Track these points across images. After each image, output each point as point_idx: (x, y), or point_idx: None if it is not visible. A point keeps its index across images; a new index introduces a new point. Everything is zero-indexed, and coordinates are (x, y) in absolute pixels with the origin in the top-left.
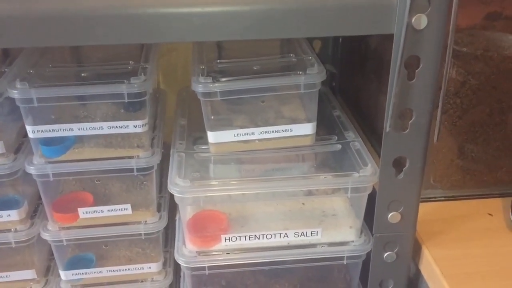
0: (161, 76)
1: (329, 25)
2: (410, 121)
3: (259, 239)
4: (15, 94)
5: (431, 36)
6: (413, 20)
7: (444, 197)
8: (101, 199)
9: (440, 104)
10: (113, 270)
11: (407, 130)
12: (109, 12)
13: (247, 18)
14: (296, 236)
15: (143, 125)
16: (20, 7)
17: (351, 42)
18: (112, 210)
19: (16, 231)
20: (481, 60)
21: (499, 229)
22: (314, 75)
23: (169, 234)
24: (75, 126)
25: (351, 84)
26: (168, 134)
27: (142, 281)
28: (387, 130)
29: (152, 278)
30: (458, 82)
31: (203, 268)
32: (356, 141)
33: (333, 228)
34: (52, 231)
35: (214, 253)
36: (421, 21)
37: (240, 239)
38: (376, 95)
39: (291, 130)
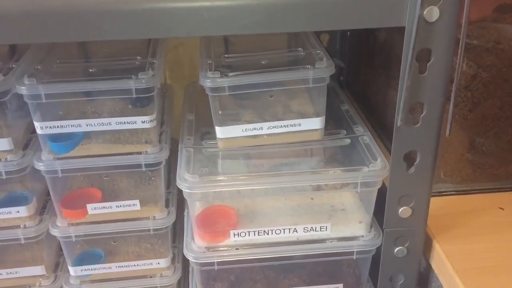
0: (168, 71)
1: (340, 18)
2: (422, 115)
3: (268, 234)
4: (23, 90)
5: (443, 28)
6: (425, 13)
7: (455, 191)
8: (109, 195)
9: (452, 97)
10: (122, 266)
11: (418, 124)
12: (117, 7)
13: (257, 12)
14: (305, 231)
15: (151, 121)
16: (26, 3)
17: (359, 35)
18: (120, 206)
19: (25, 227)
20: (492, 53)
21: (510, 223)
22: (323, 69)
23: (177, 229)
24: (83, 122)
25: (359, 78)
26: (176, 130)
27: (151, 277)
28: (398, 124)
29: (161, 274)
30: (469, 75)
31: (212, 264)
32: (365, 135)
33: (342, 223)
34: (61, 227)
35: (223, 248)
36: (433, 13)
37: (249, 235)
38: (385, 89)
39: (299, 124)
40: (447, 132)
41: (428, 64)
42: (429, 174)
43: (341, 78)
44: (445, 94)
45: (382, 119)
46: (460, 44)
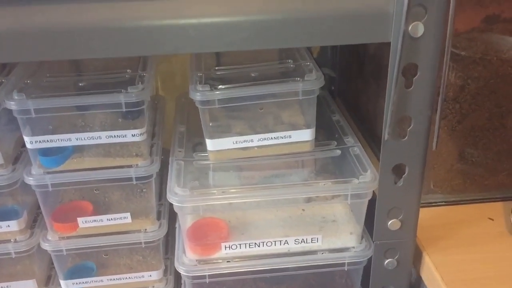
0: (160, 82)
1: (326, 35)
2: (409, 128)
3: (259, 246)
4: (12, 105)
5: (428, 43)
6: (409, 28)
7: (445, 202)
8: (100, 208)
9: (438, 111)
10: (114, 279)
11: (406, 138)
12: (105, 25)
13: (244, 29)
14: (296, 243)
15: (141, 134)
16: (15, 22)
17: (349, 45)
18: (111, 219)
19: (16, 241)
20: (480, 64)
21: (500, 234)
22: (312, 81)
23: (169, 241)
24: (73, 136)
25: (350, 88)
26: (168, 140)
27: None
28: (386, 138)
29: (153, 286)
30: (457, 86)
31: (203, 277)
32: (355, 147)
33: (333, 234)
34: (52, 241)
35: (214, 261)
36: (418, 29)
37: (240, 247)
38: (375, 98)
39: (290, 136)
40: (434, 146)
41: (414, 78)
42: (417, 186)
43: (333, 88)
44: (431, 107)
45: (373, 128)
46: (445, 59)
